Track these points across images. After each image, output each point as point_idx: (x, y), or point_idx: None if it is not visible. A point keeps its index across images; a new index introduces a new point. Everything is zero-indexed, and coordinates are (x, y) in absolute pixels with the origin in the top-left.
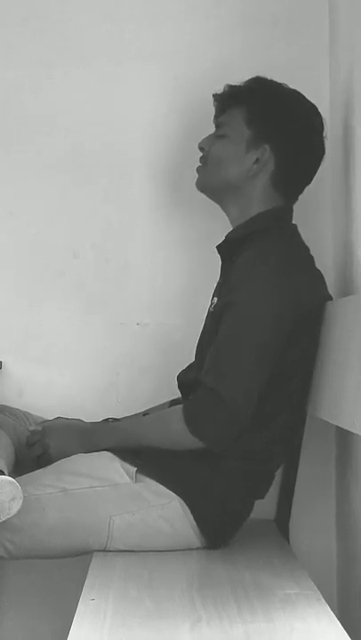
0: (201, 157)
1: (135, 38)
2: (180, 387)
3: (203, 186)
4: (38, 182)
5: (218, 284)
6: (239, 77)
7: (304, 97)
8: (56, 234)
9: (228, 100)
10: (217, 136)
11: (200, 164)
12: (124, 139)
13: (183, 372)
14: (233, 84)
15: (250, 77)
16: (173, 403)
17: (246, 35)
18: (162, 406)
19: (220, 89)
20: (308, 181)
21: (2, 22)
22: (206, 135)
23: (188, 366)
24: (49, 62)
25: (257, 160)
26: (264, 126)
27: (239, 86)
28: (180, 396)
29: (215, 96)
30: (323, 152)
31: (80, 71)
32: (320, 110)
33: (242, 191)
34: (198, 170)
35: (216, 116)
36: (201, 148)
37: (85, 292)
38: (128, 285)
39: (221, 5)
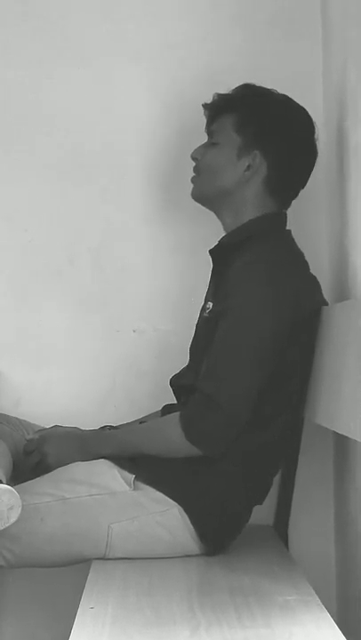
0: (194, 167)
1: (135, 38)
2: (173, 391)
3: (198, 196)
4: (37, 182)
5: (209, 287)
6: (234, 80)
7: (293, 101)
8: (53, 237)
9: (218, 108)
10: (208, 145)
11: (194, 175)
12: (123, 139)
13: (176, 375)
14: (222, 92)
15: (245, 80)
16: (166, 408)
17: (244, 35)
18: (155, 414)
19: (218, 91)
20: (302, 185)
21: (1, 22)
22: (204, 136)
23: (182, 370)
24: (49, 62)
25: (248, 166)
26: (253, 132)
27: (228, 94)
28: (175, 401)
29: (205, 105)
30: (315, 155)
31: (80, 71)
32: (314, 111)
33: (235, 197)
34: (193, 180)
35: (207, 126)
36: (194, 158)
37: (82, 298)
38: (124, 291)
39: (219, 7)
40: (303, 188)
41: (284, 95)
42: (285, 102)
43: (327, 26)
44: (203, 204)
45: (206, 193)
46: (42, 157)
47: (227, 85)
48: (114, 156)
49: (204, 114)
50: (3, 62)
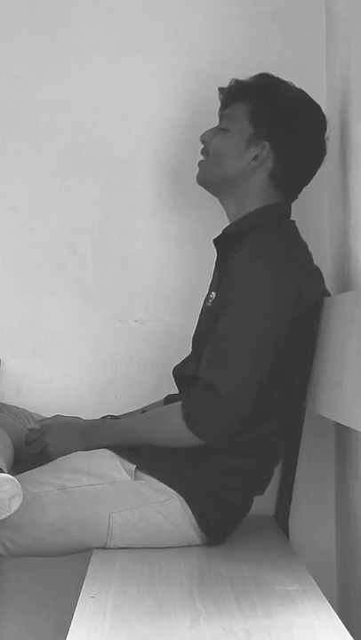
0: (202, 150)
1: (136, 33)
2: (176, 381)
3: (202, 180)
4: (39, 178)
5: (214, 277)
6: (238, 72)
7: (309, 97)
8: (55, 230)
9: (234, 94)
10: (219, 129)
11: (202, 158)
12: (124, 133)
13: (179, 366)
14: (239, 78)
15: (249, 72)
16: (169, 398)
17: (246, 29)
18: (157, 404)
19: (222, 83)
20: (307, 181)
21: (3, 17)
22: (207, 129)
23: (184, 360)
24: (50, 57)
25: (255, 157)
26: (266, 123)
27: (245, 81)
28: (177, 391)
29: (221, 89)
30: (323, 153)
31: (81, 66)
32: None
33: (239, 186)
34: (200, 164)
35: (221, 109)
36: (203, 141)
37: (84, 288)
38: (127, 282)
39: (222, 0)
40: (307, 184)
41: (300, 90)
42: (302, 97)
43: (331, 18)
44: (207, 189)
45: (210, 178)
46: (43, 151)
47: (229, 79)
48: (116, 148)
49: (219, 97)
50: (3, 57)
